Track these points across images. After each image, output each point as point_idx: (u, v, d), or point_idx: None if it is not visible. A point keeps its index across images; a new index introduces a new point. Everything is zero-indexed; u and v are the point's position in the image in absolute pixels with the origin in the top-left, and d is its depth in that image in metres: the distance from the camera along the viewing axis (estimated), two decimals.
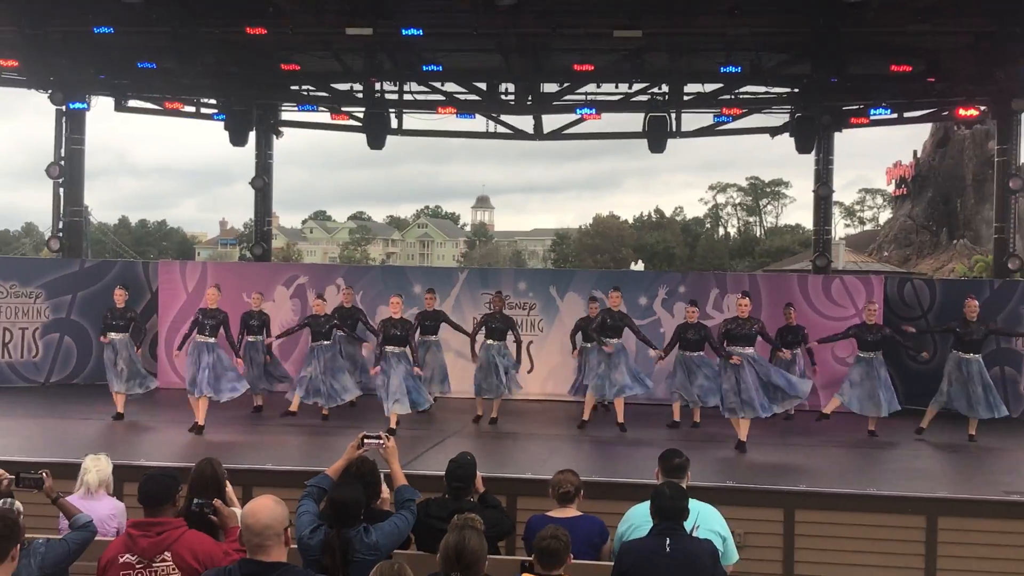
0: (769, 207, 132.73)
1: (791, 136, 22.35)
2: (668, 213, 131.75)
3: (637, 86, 22.58)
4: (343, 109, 24.04)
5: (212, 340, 15.38)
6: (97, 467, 8.23)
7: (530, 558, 6.57)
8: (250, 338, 16.80)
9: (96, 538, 6.76)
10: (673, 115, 23.18)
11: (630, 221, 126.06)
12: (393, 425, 14.64)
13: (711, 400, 15.58)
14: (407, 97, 23.72)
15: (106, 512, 7.92)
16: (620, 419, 15.57)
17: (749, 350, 14.35)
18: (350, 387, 16.39)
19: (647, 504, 6.93)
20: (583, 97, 22.89)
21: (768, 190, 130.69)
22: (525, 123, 24.66)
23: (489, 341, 16.35)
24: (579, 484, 7.97)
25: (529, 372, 18.13)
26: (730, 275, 22.90)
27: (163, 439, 14.85)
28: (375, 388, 15.82)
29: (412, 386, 15.06)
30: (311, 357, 16.30)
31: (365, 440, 7.15)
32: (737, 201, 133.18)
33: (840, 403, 15.85)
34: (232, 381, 15.37)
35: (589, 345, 16.52)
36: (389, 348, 15.17)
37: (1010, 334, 16.80)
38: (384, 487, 7.49)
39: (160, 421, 16.08)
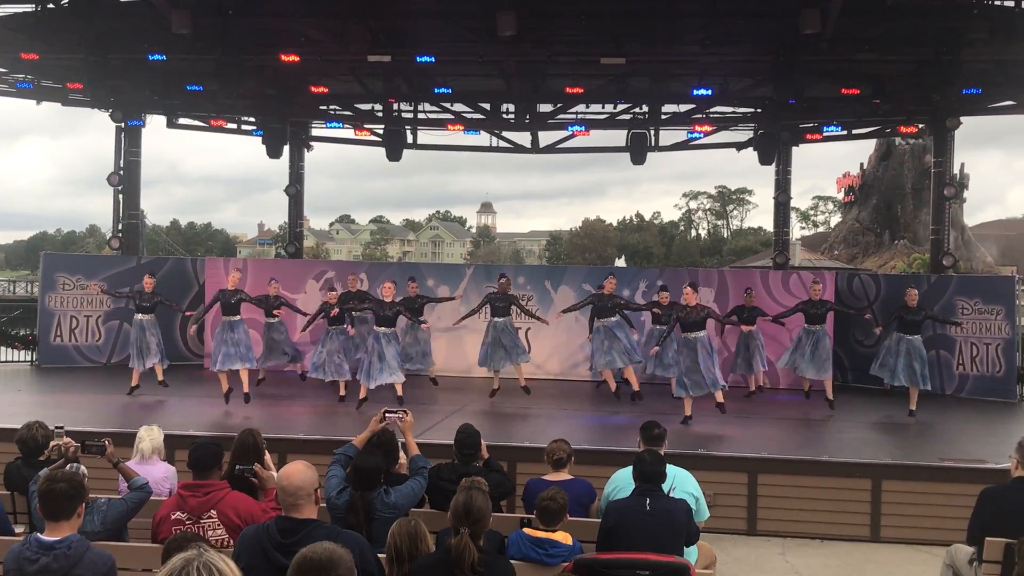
0: (735, 212, 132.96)
1: (755, 150, 22.34)
2: (647, 217, 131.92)
3: (621, 106, 22.56)
4: (365, 126, 23.97)
5: (236, 318, 15.31)
6: (150, 436, 8.23)
7: (528, 515, 6.58)
8: (269, 319, 16.60)
9: (151, 498, 6.76)
10: (652, 132, 23.29)
11: (614, 224, 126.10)
12: (400, 394, 14.67)
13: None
14: (421, 116, 23.71)
15: (159, 475, 7.91)
16: (613, 387, 15.53)
17: (702, 334, 14.21)
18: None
19: (630, 468, 6.93)
20: (574, 116, 22.87)
21: (734, 197, 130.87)
22: (524, 138, 24.67)
23: (495, 319, 16.03)
24: (570, 451, 7.98)
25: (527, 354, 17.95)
26: (701, 271, 22.88)
27: (209, 412, 14.81)
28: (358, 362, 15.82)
29: (399, 363, 14.99)
30: (324, 338, 16.09)
31: (386, 414, 7.15)
32: (707, 207, 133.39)
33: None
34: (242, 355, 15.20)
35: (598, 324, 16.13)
36: (381, 329, 14.97)
37: (943, 321, 16.75)
38: (402, 454, 7.48)
39: (206, 396, 16.05)
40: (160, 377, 15.95)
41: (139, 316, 16.19)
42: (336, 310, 15.82)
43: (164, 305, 16.54)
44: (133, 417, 13.03)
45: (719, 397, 14.02)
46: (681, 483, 7.32)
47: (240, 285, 16.32)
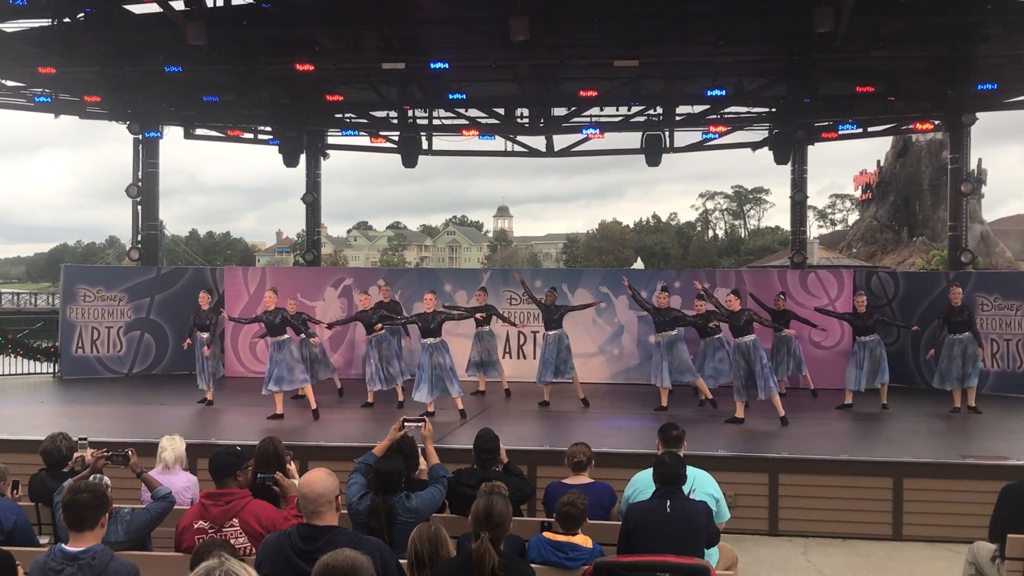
0: (752, 211, 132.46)
1: (770, 149, 22.31)
2: (664, 218, 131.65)
3: (635, 108, 22.58)
4: (381, 133, 24.07)
5: (283, 337, 14.94)
6: (172, 446, 8.28)
7: (549, 519, 6.58)
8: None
9: (174, 507, 6.80)
10: (667, 133, 23.24)
11: (631, 226, 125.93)
12: (431, 409, 14.53)
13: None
14: (436, 122, 23.80)
15: (181, 485, 7.95)
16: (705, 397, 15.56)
17: (750, 338, 14.30)
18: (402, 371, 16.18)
19: (650, 471, 6.93)
20: (588, 119, 22.86)
21: (751, 197, 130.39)
22: (538, 142, 24.68)
23: (549, 332, 16.07)
24: (590, 454, 7.98)
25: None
26: (719, 271, 22.81)
27: (231, 420, 14.88)
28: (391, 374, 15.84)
29: (450, 376, 14.74)
30: (369, 350, 15.96)
31: (406, 423, 7.17)
32: (724, 207, 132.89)
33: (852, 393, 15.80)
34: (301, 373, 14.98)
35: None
36: (426, 340, 14.75)
37: (976, 333, 16.47)
38: (422, 460, 7.50)
39: (228, 405, 16.11)
40: (209, 397, 16.08)
41: (200, 334, 16.20)
42: (379, 326, 15.84)
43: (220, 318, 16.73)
44: (155, 427, 13.09)
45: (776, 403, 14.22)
46: (701, 484, 7.32)
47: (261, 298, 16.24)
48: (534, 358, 18.64)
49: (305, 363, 15.63)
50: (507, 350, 19.62)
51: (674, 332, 15.61)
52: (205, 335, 16.17)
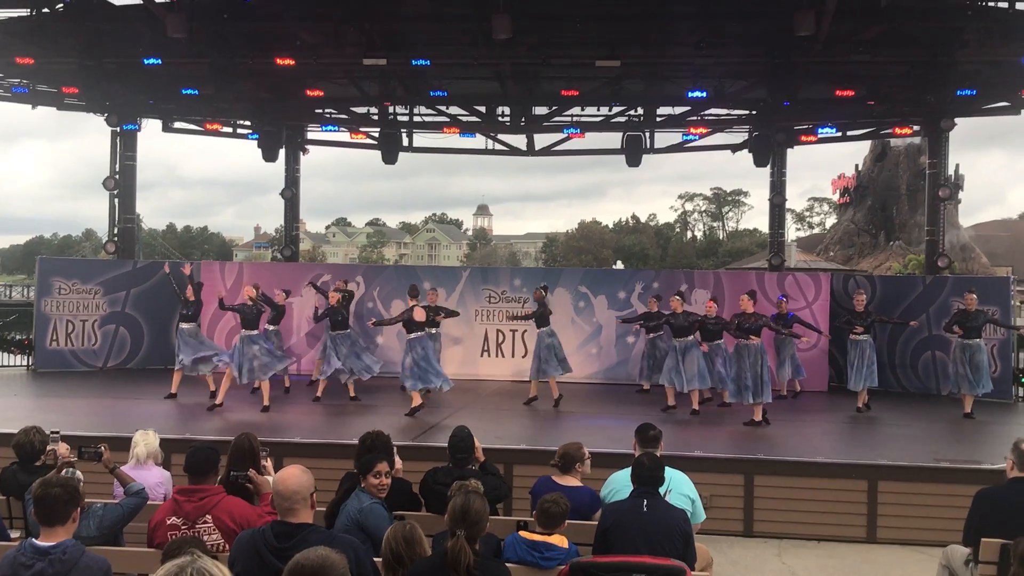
0: (730, 213, 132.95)
1: (750, 152, 22.37)
2: (643, 219, 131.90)
3: (616, 109, 22.61)
4: (361, 129, 23.99)
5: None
6: (145, 441, 8.20)
7: (525, 519, 6.54)
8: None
9: (147, 503, 6.74)
10: (647, 134, 23.25)
11: (610, 226, 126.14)
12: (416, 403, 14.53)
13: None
14: (417, 119, 23.73)
15: (154, 481, 7.88)
16: (695, 406, 15.23)
17: (756, 341, 14.25)
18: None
19: (627, 471, 6.91)
20: (569, 119, 22.86)
21: (730, 199, 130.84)
22: (519, 141, 24.67)
23: (539, 328, 16.07)
24: (580, 456, 7.81)
25: (523, 356, 17.93)
26: (697, 273, 22.80)
27: (206, 416, 14.76)
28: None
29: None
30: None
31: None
32: (703, 208, 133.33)
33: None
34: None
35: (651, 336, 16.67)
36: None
37: (1006, 326, 16.68)
38: (397, 459, 7.42)
39: (204, 400, 15.98)
40: (213, 387, 15.93)
41: (246, 332, 15.46)
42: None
43: (268, 305, 16.43)
44: (129, 422, 12.97)
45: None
46: (677, 485, 7.29)
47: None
48: (511, 356, 18.72)
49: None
50: (485, 349, 19.63)
51: (690, 338, 15.37)
52: (254, 332, 15.34)
